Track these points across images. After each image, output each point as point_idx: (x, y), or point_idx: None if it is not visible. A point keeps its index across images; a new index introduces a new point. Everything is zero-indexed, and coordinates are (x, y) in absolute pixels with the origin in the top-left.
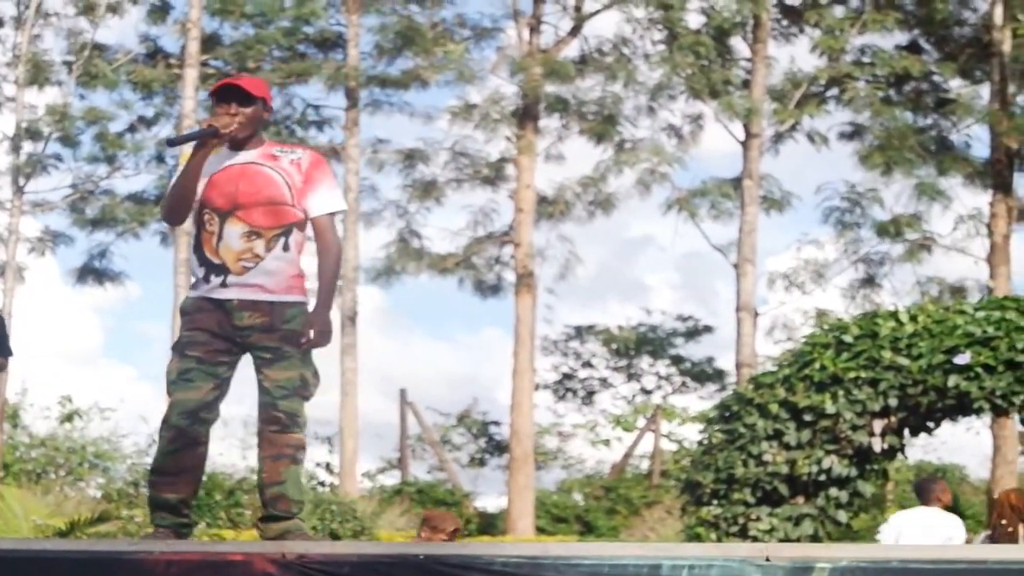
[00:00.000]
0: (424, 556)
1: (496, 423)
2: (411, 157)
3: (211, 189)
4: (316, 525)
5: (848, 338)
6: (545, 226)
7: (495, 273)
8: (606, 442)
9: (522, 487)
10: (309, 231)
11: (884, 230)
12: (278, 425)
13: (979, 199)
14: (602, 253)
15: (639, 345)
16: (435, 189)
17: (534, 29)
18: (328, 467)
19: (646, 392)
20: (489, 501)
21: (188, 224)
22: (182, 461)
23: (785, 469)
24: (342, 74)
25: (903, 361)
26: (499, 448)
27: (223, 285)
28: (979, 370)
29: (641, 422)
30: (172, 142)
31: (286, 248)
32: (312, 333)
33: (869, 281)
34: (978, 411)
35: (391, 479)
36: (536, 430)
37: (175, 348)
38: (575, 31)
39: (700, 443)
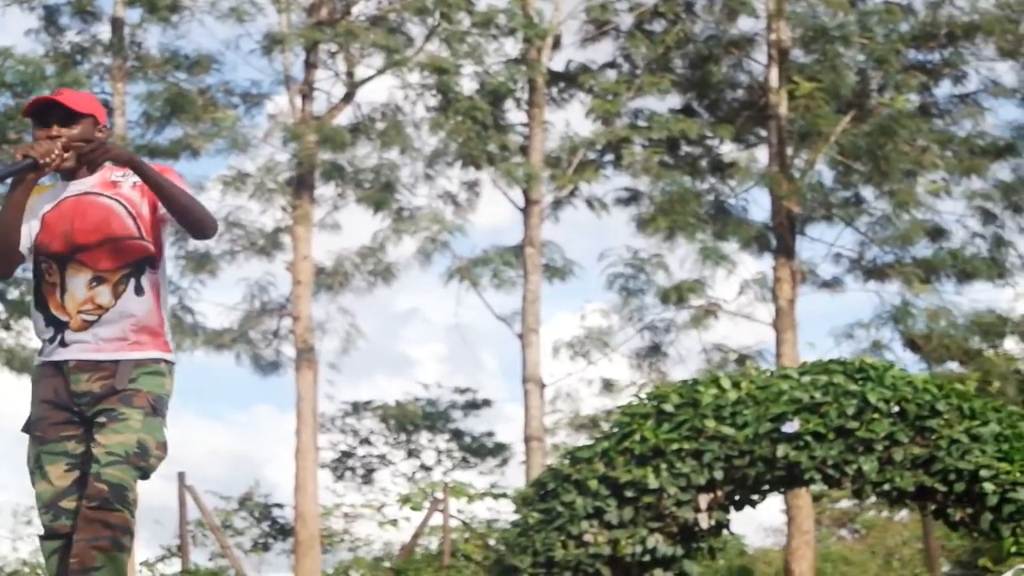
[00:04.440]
0: None
1: (279, 505)
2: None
3: (44, 231)
4: None
5: (668, 407)
6: (324, 298)
7: (274, 348)
8: (394, 522)
9: (309, 571)
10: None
11: (668, 297)
12: (98, 500)
13: (762, 263)
14: (369, 327)
15: (419, 420)
16: (209, 262)
17: (306, 96)
18: None
19: (426, 469)
20: None
21: None
22: (64, 571)
23: (607, 550)
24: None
25: (727, 430)
26: (283, 531)
27: (62, 344)
28: (808, 438)
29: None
30: None
31: (139, 291)
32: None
33: (655, 349)
34: (809, 482)
35: (172, 567)
36: (321, 511)
37: (25, 430)
38: (348, 97)
39: (514, 524)
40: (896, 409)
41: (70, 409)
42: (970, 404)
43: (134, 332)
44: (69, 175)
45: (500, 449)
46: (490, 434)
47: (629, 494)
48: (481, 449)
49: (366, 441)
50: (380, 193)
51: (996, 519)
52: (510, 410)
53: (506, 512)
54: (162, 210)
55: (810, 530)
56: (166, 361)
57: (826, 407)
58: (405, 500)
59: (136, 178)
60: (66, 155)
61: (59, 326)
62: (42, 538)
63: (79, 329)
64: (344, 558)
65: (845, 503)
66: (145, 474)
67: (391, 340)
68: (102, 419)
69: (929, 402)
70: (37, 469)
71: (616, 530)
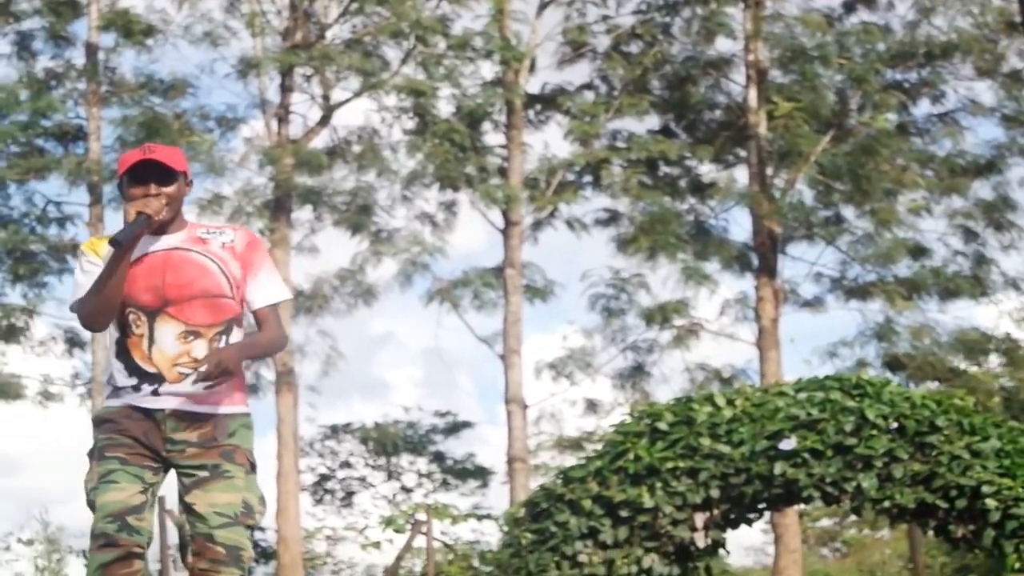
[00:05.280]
0: None
1: (261, 529)
2: None
3: (131, 284)
4: None
5: (663, 425)
6: (304, 321)
7: (253, 372)
8: (376, 544)
9: None
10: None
11: (653, 317)
12: (214, 561)
13: (743, 283)
14: (345, 350)
15: (400, 443)
16: None
17: (282, 119)
18: None
19: (407, 491)
20: None
21: None
22: None
23: (602, 570)
24: (84, 169)
25: (723, 448)
26: (265, 555)
27: (155, 394)
28: (806, 455)
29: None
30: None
31: None
32: (210, 364)
33: (638, 369)
34: (807, 500)
35: None
36: (303, 534)
37: (91, 454)
38: (324, 120)
39: (507, 544)
40: (895, 425)
41: (157, 452)
42: (970, 420)
43: (227, 387)
44: (159, 230)
45: (481, 471)
46: (471, 456)
47: (624, 513)
48: (463, 471)
49: (346, 464)
50: (357, 216)
51: (999, 535)
52: (487, 432)
53: (489, 533)
54: (256, 305)
55: (798, 548)
56: (250, 416)
57: (823, 424)
58: (388, 522)
59: (225, 238)
60: (166, 212)
61: (144, 376)
62: (102, 545)
63: (175, 381)
64: None
65: (826, 521)
66: (252, 529)
67: (366, 363)
68: (204, 473)
69: (928, 418)
70: (106, 483)
71: (611, 550)
